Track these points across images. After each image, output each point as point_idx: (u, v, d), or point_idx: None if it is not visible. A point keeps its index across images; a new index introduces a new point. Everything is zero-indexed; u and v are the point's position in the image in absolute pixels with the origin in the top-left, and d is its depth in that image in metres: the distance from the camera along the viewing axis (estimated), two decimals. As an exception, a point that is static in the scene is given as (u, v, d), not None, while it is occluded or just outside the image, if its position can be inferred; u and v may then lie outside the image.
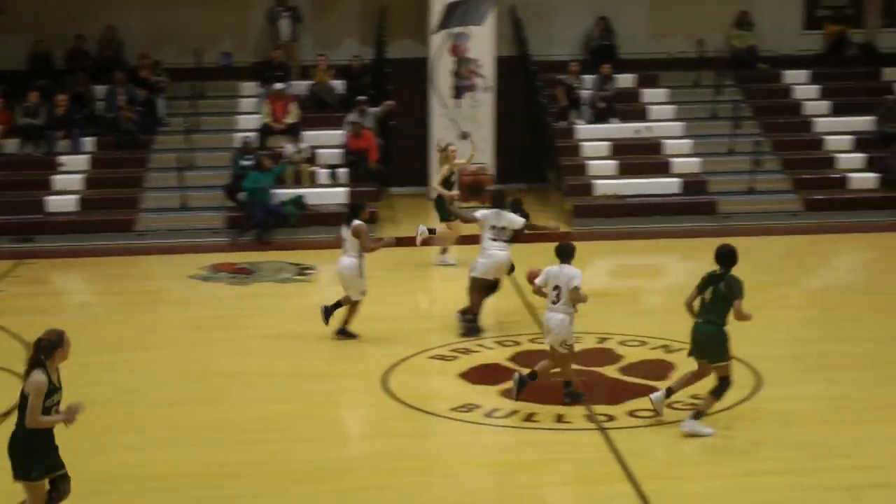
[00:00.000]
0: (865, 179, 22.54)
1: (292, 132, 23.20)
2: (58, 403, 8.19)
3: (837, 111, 24.37)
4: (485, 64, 24.56)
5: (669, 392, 11.44)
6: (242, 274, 18.60)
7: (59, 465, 8.32)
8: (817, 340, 14.42)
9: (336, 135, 23.51)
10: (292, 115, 23.45)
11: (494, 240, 14.79)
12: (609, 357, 13.65)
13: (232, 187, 21.77)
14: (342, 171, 22.84)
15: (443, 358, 13.72)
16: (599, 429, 11.25)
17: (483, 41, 24.44)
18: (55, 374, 8.20)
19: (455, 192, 18.28)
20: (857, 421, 11.36)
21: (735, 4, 25.70)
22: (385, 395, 12.40)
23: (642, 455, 10.56)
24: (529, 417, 11.58)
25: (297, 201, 21.75)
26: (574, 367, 13.06)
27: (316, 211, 21.86)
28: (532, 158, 25.48)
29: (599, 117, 24.12)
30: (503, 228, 14.78)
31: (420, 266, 19.74)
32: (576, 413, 11.83)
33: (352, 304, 14.61)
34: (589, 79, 24.43)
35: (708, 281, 10.99)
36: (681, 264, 18.88)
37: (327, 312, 14.63)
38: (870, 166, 22.88)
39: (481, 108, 24.68)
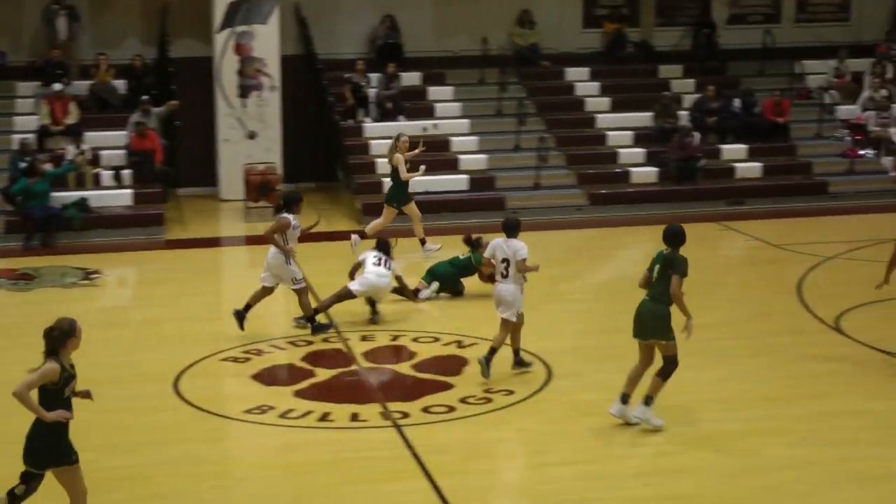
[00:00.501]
0: (646, 174, 23.22)
1: (73, 133, 22.45)
2: (73, 391, 8.45)
3: (618, 107, 25.03)
4: (270, 63, 24.27)
5: (625, 398, 11.08)
6: (24, 280, 17.90)
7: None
8: (603, 331, 14.73)
9: (119, 136, 22.87)
10: (72, 116, 22.69)
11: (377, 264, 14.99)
12: (403, 354, 13.67)
13: (8, 191, 20.95)
14: (126, 172, 22.24)
15: (235, 360, 13.51)
16: (394, 426, 11.26)
17: (268, 40, 24.15)
18: (68, 363, 7.78)
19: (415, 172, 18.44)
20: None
21: (517, 3, 26.10)
22: (178, 398, 12.13)
23: (438, 451, 10.60)
24: (324, 417, 11.51)
25: (81, 204, 21.07)
26: (366, 364, 13.09)
27: (100, 213, 21.22)
28: (321, 157, 25.35)
29: (387, 115, 24.15)
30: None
31: (211, 268, 19.42)
32: (370, 411, 11.81)
33: (299, 292, 14.56)
34: (375, 77, 24.43)
35: (656, 260, 11.16)
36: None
37: (240, 316, 14.53)
38: (650, 161, 23.58)
39: (268, 108, 24.38)
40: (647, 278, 11.21)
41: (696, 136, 23.47)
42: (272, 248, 14.45)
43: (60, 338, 8.25)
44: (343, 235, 19.23)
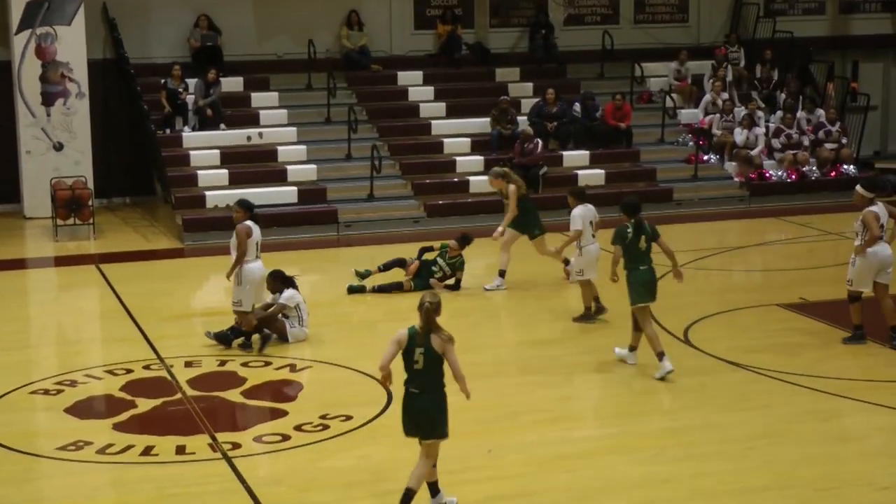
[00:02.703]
0: (486, 183, 23.36)
1: None
2: None
3: (453, 113, 25.25)
4: (77, 67, 23.78)
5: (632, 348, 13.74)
6: None
7: None
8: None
9: None
10: None
11: None
12: (232, 380, 13.52)
13: None
14: (-82, 188, 21.53)
15: (46, 392, 13.17)
16: (224, 458, 11.13)
17: (73, 42, 23.66)
18: None
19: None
20: (490, 430, 11.76)
21: (344, 3, 26.14)
22: (-22, 438, 11.77)
23: (272, 482, 10.54)
24: (147, 451, 11.31)
25: None
26: (192, 392, 12.94)
27: None
28: (137, 169, 24.94)
29: (207, 124, 23.89)
30: None
31: (17, 292, 18.88)
32: (198, 443, 11.64)
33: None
34: (193, 83, 24.13)
35: (635, 232, 13.41)
36: (306, 278, 18.93)
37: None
38: (489, 169, 23.78)
39: (76, 116, 23.89)
40: (619, 255, 13.49)
41: (539, 142, 23.83)
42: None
43: None
44: (165, 254, 19.00)
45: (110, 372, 13.90)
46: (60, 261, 20.94)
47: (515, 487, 10.36)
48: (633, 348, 13.86)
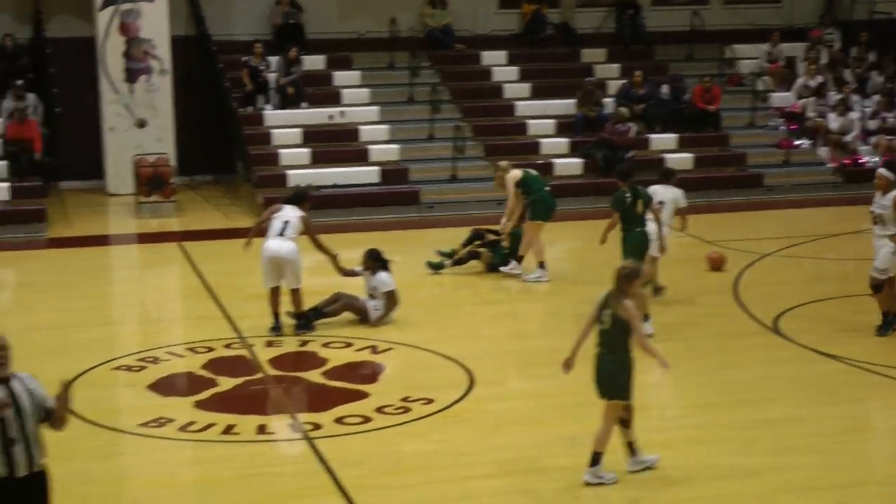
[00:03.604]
0: (570, 165, 23.43)
1: (-61, 121, 22.11)
2: None
3: (538, 94, 25.22)
4: (160, 44, 24.08)
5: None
6: None
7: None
8: (527, 336, 14.85)
9: (-7, 123, 22.55)
10: (-62, 102, 22.36)
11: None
12: (313, 361, 13.65)
13: None
14: (2, 164, 21.91)
15: (129, 369, 13.39)
16: (305, 438, 11.24)
17: (156, 19, 23.95)
18: None
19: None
20: (571, 418, 11.75)
21: (428, -18, 26.20)
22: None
23: (353, 465, 10.60)
24: (228, 430, 11.45)
25: (-49, 199, 20.74)
26: (273, 372, 13.09)
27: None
28: (218, 148, 25.20)
29: (288, 102, 24.07)
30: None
31: (100, 269, 19.21)
32: (279, 423, 11.79)
33: (296, 292, 14.49)
34: (275, 61, 24.31)
35: (633, 198, 14.28)
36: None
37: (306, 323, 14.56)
38: (573, 152, 23.79)
39: (158, 93, 24.20)
40: (616, 221, 14.34)
41: (632, 126, 23.72)
42: (291, 244, 14.32)
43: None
44: (246, 233, 19.24)
45: (192, 350, 14.09)
46: (143, 238, 21.28)
47: (595, 476, 10.35)
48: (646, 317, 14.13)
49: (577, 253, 19.49)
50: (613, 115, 23.99)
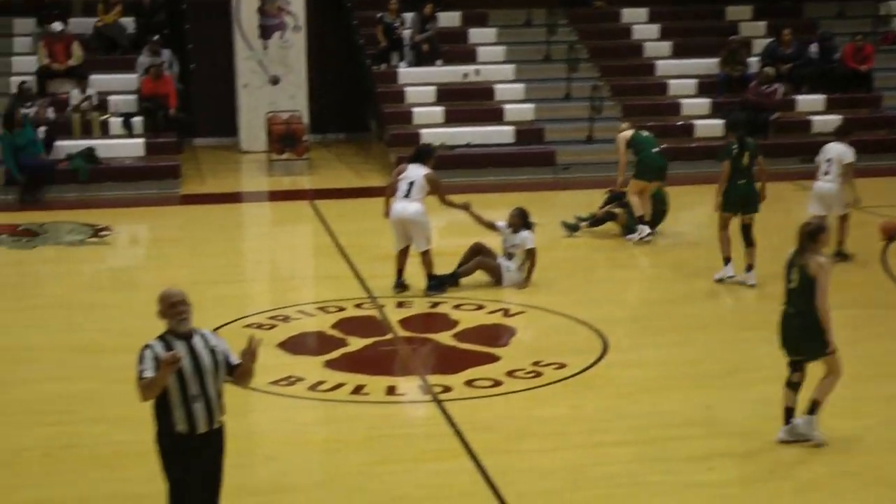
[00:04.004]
0: (711, 127, 23.13)
1: (77, 76, 22.58)
2: None
3: (680, 53, 24.95)
4: (294, 1, 24.33)
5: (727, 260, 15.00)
6: (26, 237, 18.10)
7: None
8: (663, 301, 14.77)
9: (129, 79, 23.02)
10: (75, 58, 22.83)
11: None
12: (443, 323, 13.75)
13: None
14: (137, 120, 22.38)
15: (259, 326, 13.60)
16: (435, 401, 11.34)
17: (291, -26, 24.22)
18: None
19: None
20: (707, 386, 11.69)
21: (567, -64, 26.01)
22: (195, 369, 12.23)
23: (483, 428, 10.67)
24: (358, 390, 11.60)
25: (87, 154, 21.23)
26: (403, 333, 13.21)
27: (109, 165, 21.40)
28: (351, 105, 25.41)
29: (423, 60, 24.16)
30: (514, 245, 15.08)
31: (232, 226, 19.56)
32: (408, 384, 11.92)
33: (425, 254, 14.63)
34: (410, 17, 24.40)
35: (740, 150, 14.66)
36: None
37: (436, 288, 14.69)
38: (715, 113, 23.50)
39: (292, 50, 24.47)
40: (728, 172, 14.70)
41: (779, 87, 23.35)
42: (416, 205, 14.46)
43: None
44: (378, 192, 19.36)
45: (322, 309, 14.29)
46: (275, 195, 21.63)
47: (733, 446, 10.27)
48: (726, 260, 15.03)
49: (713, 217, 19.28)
50: (758, 75, 23.63)
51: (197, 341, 7.58)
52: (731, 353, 12.74)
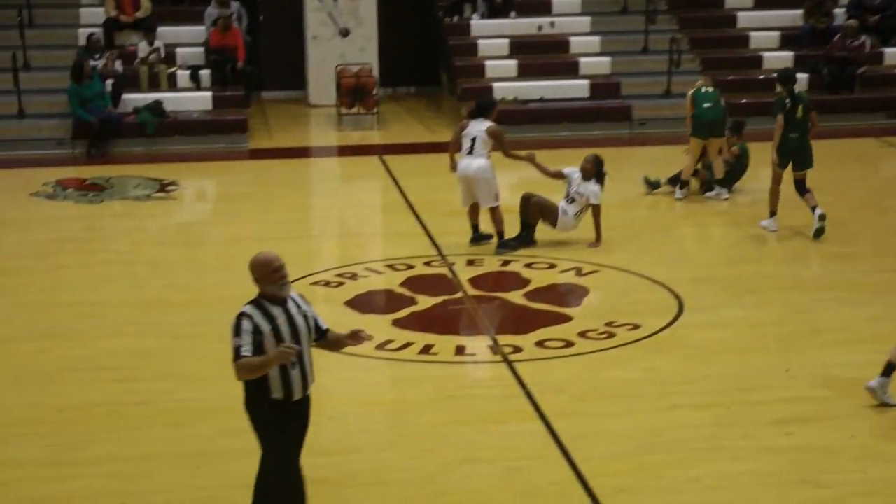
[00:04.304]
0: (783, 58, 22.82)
1: (144, 28, 22.70)
2: None
3: (762, 4, 24.62)
4: (365, -50, 24.29)
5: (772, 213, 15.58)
6: (93, 191, 18.28)
7: None
8: (741, 261, 14.65)
9: (197, 31, 23.12)
10: (143, 9, 22.95)
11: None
12: (515, 281, 13.73)
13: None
14: (205, 72, 22.48)
15: (326, 284, 13.67)
16: (505, 361, 11.34)
17: (363, -78, 24.16)
18: None
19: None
20: (786, 349, 11.59)
21: None
22: (262, 326, 12.31)
23: (553, 390, 10.65)
24: (426, 349, 11.63)
25: (154, 108, 21.37)
26: (473, 292, 13.21)
27: (176, 118, 21.52)
28: (422, 59, 25.35)
29: (496, 12, 24.04)
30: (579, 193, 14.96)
31: (300, 181, 19.64)
32: (478, 344, 11.92)
33: (493, 211, 14.65)
34: (483, -33, 24.27)
35: (792, 101, 15.07)
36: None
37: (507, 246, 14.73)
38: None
39: (362, 2, 24.44)
40: (782, 124, 15.01)
41: (866, 40, 22.99)
42: (480, 160, 14.45)
43: None
44: (447, 147, 19.32)
45: (391, 266, 14.32)
46: (344, 150, 21.68)
47: (812, 411, 10.17)
48: (772, 212, 15.45)
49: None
50: (844, 28, 23.26)
51: (291, 306, 7.50)
52: (811, 314, 12.62)
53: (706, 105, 17.14)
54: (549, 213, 14.85)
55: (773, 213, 15.42)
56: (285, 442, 7.62)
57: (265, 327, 7.35)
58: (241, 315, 7.40)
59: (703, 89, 17.34)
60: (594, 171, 14.83)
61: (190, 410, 10.25)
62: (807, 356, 11.40)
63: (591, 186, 14.79)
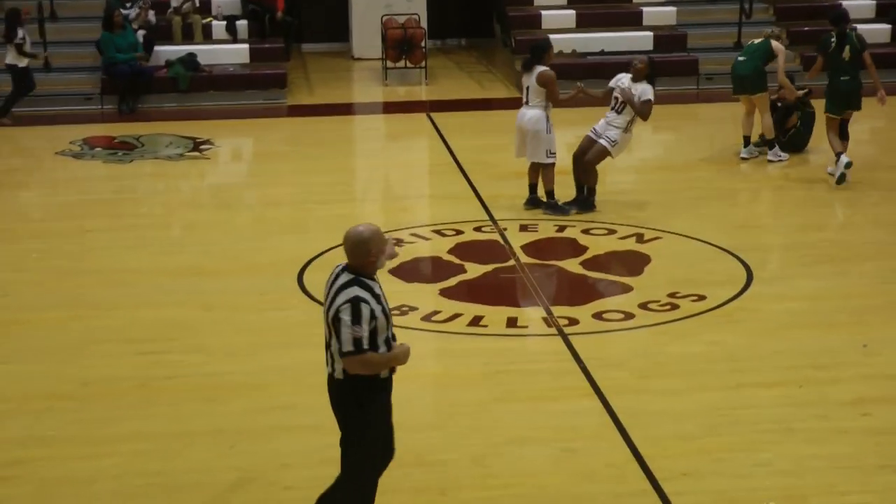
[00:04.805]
0: (876, 32, 22.55)
1: (178, -25, 22.75)
2: None
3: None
4: None
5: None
6: (123, 150, 18.36)
7: None
8: (817, 227, 14.54)
9: (234, -21, 23.15)
10: (176, -44, 23.00)
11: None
12: (571, 248, 13.68)
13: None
14: (242, 24, 22.49)
15: (369, 251, 13.64)
16: (560, 334, 11.29)
17: None
18: None
19: None
20: (865, 322, 11.48)
21: None
22: (301, 295, 12.35)
23: (612, 365, 10.61)
24: (476, 321, 11.60)
25: (188, 61, 21.41)
26: (527, 260, 13.17)
27: (211, 73, 21.55)
28: (474, 8, 25.25)
29: (555, -43, 23.91)
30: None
31: (342, 140, 19.63)
32: (531, 315, 11.88)
33: (544, 168, 14.62)
34: None
35: (839, 42, 15.54)
36: (656, 136, 18.87)
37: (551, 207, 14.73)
38: (880, 16, 22.95)
39: (410, -53, 24.35)
40: (821, 64, 15.76)
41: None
42: (529, 111, 14.43)
43: None
44: (502, 104, 19.22)
45: (438, 232, 14.29)
46: (389, 107, 21.62)
47: (892, 390, 10.09)
48: (838, 154, 15.66)
49: (881, 134, 18.91)
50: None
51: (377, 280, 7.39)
52: (891, 284, 12.50)
53: (740, 59, 17.26)
54: (601, 155, 14.75)
55: (839, 155, 15.66)
56: (386, 425, 7.55)
57: (377, 311, 7.18)
58: (360, 300, 7.13)
59: (756, 41, 17.29)
60: (646, 71, 14.76)
61: (223, 385, 10.27)
62: (887, 331, 11.29)
63: (644, 86, 14.67)
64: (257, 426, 9.51)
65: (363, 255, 7.23)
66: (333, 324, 7.19)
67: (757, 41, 17.21)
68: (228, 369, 10.62)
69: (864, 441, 9.18)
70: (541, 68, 14.44)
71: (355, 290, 7.14)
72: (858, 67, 15.75)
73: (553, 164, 14.61)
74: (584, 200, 14.81)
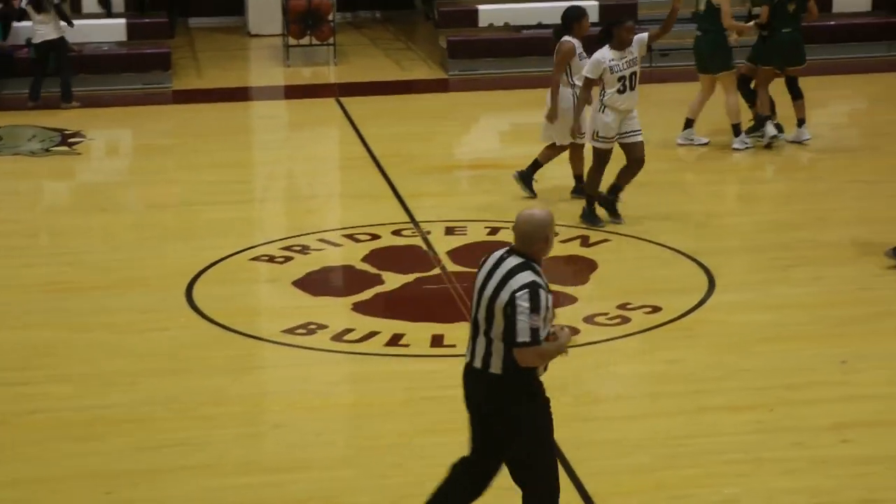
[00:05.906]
0: (855, 1, 22.81)
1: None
2: None
3: None
4: None
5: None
6: (-25, 144, 18.27)
7: None
8: (789, 225, 14.66)
9: (107, -55, 23.04)
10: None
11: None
12: (505, 254, 13.70)
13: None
14: (117, -5, 22.43)
15: (271, 259, 13.67)
16: (493, 354, 11.31)
17: None
18: None
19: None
20: (844, 335, 11.62)
21: None
22: (191, 312, 12.31)
23: (552, 389, 10.50)
24: (395, 340, 11.62)
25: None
26: (454, 268, 13.20)
27: (81, 53, 21.43)
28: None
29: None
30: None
31: (238, 130, 19.59)
32: (459, 333, 11.86)
33: (572, 149, 14.88)
34: None
35: None
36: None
37: (524, 178, 14.99)
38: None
39: None
40: (767, 13, 16.64)
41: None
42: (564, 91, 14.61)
43: None
44: (424, 86, 19.24)
45: (351, 237, 14.30)
46: (292, 91, 21.61)
47: (874, 413, 10.21)
48: (764, 119, 16.84)
49: (861, 116, 19.11)
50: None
51: None
52: (873, 291, 12.64)
53: (698, 33, 17.61)
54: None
55: (767, 119, 16.79)
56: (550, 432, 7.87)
57: (550, 301, 7.39)
58: (538, 286, 7.34)
59: (698, 9, 17.65)
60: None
61: (98, 421, 10.21)
62: (868, 345, 11.42)
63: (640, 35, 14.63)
64: (139, 468, 9.46)
65: (540, 239, 7.52)
66: (505, 309, 7.33)
67: (703, 8, 17.31)
68: (104, 402, 10.56)
69: (845, 472, 9.29)
70: (567, 39, 14.52)
71: (532, 276, 7.35)
72: (801, 21, 16.97)
73: (581, 146, 14.77)
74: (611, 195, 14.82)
